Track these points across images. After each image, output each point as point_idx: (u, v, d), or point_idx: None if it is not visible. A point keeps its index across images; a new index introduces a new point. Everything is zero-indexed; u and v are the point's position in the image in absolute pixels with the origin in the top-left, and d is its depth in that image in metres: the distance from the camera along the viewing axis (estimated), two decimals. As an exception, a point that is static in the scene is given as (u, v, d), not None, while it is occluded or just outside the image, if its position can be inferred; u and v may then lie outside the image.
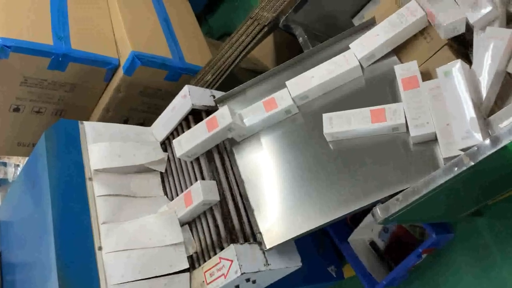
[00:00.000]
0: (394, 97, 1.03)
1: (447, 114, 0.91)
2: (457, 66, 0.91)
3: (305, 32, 1.26)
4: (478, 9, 0.92)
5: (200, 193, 1.06)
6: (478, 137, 0.84)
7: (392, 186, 0.96)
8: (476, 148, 0.80)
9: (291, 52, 1.32)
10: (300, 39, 1.25)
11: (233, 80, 1.55)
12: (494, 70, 0.90)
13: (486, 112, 0.92)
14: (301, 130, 1.11)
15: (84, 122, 1.22)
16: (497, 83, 0.92)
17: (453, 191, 0.95)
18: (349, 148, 1.04)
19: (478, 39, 0.97)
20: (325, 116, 1.05)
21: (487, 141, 0.79)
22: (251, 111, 1.13)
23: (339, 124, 1.03)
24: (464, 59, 1.06)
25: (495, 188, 1.11)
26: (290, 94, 1.10)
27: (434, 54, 1.03)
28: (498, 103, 0.94)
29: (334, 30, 1.36)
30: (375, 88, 1.08)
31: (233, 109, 1.12)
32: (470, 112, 0.87)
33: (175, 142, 1.16)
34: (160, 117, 1.29)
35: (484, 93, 0.91)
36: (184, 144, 1.13)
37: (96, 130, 1.22)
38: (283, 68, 1.19)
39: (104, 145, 1.18)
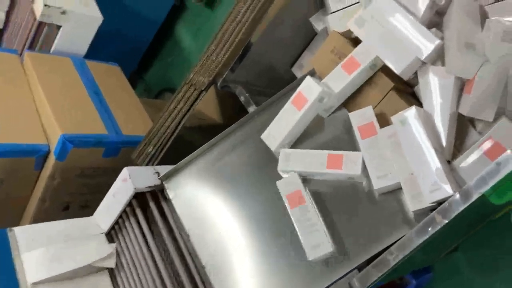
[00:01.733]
0: (354, 146, 0.96)
1: (410, 163, 0.86)
2: (412, 114, 0.85)
3: (246, 90, 1.19)
4: (426, 45, 0.88)
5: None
6: (447, 189, 0.78)
7: (366, 249, 0.88)
8: (447, 204, 0.74)
9: (237, 99, 1.24)
10: (242, 98, 1.18)
11: (181, 142, 1.45)
12: (448, 112, 0.86)
13: (449, 156, 0.87)
14: (258, 170, 1.03)
15: (13, 228, 1.07)
16: (453, 124, 0.87)
17: (429, 244, 0.88)
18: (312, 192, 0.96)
19: (423, 78, 0.92)
20: (283, 152, 0.98)
21: (457, 196, 0.73)
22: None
23: (296, 163, 0.96)
24: (411, 98, 1.02)
25: (472, 225, 1.07)
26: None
27: (383, 99, 0.98)
28: (456, 144, 0.89)
29: (276, 82, 1.30)
30: (339, 135, 1.01)
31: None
32: (434, 161, 0.81)
33: (263, 137, 1.02)
34: (102, 204, 1.16)
35: (443, 137, 0.86)
36: (277, 135, 1.00)
37: (29, 235, 1.07)
38: (231, 131, 1.11)
39: (40, 252, 1.03)
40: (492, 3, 0.89)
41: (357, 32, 0.97)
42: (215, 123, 1.87)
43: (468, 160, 0.82)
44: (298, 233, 0.91)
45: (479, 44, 0.82)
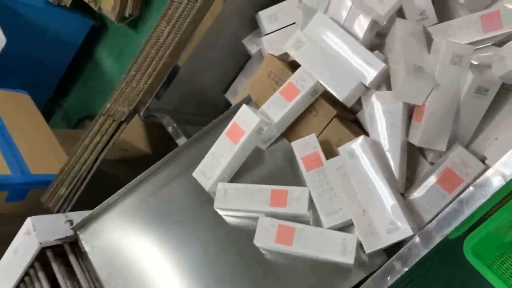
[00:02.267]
0: (299, 179, 0.86)
1: (361, 199, 0.76)
2: (361, 145, 0.77)
3: (174, 119, 1.05)
4: (370, 69, 0.80)
5: None
6: (406, 229, 0.69)
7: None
8: (407, 249, 0.65)
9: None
10: (169, 129, 1.04)
11: (101, 178, 1.27)
12: (398, 141, 0.78)
13: (402, 189, 0.79)
14: (192, 210, 0.90)
15: None
16: (404, 154, 0.80)
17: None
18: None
19: (368, 104, 0.85)
20: (220, 186, 0.85)
21: (418, 240, 0.65)
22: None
23: (234, 200, 0.83)
24: (355, 126, 0.94)
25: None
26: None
27: (325, 127, 0.89)
28: (407, 174, 0.82)
29: (208, 110, 1.18)
30: (281, 167, 0.90)
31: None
32: (388, 197, 0.72)
33: (195, 174, 0.89)
34: (1, 262, 0.96)
35: (395, 169, 0.78)
36: (210, 173, 0.87)
37: None
38: (158, 167, 0.96)
39: None
40: (435, 24, 0.84)
41: (294, 56, 0.88)
42: (142, 153, 1.70)
43: (423, 192, 0.75)
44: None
45: (428, 67, 0.75)
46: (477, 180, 0.60)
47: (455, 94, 0.74)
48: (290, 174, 0.88)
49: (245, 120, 0.86)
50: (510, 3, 0.76)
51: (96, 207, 0.97)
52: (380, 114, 0.81)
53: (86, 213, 0.97)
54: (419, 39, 0.80)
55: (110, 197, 0.96)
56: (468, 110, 0.75)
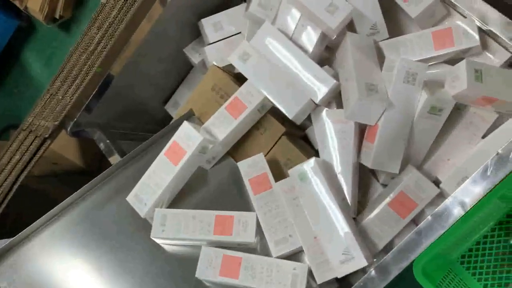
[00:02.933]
0: (246, 203, 0.79)
1: (312, 225, 0.71)
2: (312, 167, 0.71)
3: (107, 135, 0.95)
4: (320, 86, 0.75)
5: None
6: (361, 260, 0.65)
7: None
8: (362, 284, 0.60)
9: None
10: (101, 145, 0.94)
11: (27, 196, 1.14)
12: (350, 162, 0.74)
13: (354, 213, 0.74)
14: (126, 237, 0.80)
15: None
16: (356, 175, 0.76)
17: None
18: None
19: (318, 122, 0.80)
20: (158, 213, 0.76)
21: (373, 273, 0.60)
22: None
23: (174, 228, 0.75)
24: (304, 143, 0.89)
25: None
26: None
27: (274, 145, 0.83)
28: (358, 196, 0.77)
29: (146, 123, 1.09)
30: (227, 190, 0.83)
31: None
32: (341, 224, 0.67)
33: (130, 199, 0.79)
34: None
35: (347, 192, 0.73)
36: (146, 198, 0.78)
37: None
38: (86, 191, 0.85)
39: None
40: (387, 39, 0.80)
41: (241, 69, 0.81)
42: (75, 167, 1.56)
43: (376, 217, 0.71)
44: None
45: (381, 85, 0.71)
46: (436, 210, 0.56)
47: (408, 114, 0.70)
48: (236, 197, 0.81)
49: (186, 139, 0.78)
50: (461, 21, 0.74)
51: (17, 235, 0.84)
52: (331, 134, 0.76)
53: (4, 242, 0.85)
54: (370, 54, 0.77)
55: (34, 224, 0.84)
56: (422, 131, 0.72)
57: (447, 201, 0.56)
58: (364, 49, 0.77)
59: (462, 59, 0.76)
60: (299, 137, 0.90)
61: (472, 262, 0.90)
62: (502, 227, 0.89)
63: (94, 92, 0.89)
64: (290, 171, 0.73)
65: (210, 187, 0.83)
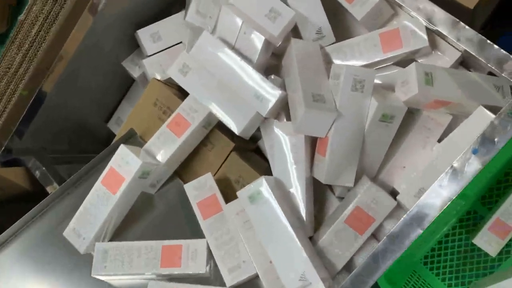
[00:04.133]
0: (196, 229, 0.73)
1: (267, 249, 0.66)
2: (263, 187, 0.66)
3: (43, 161, 0.87)
4: (267, 97, 0.70)
5: None
6: (317, 284, 0.60)
7: None
8: (320, 312, 0.56)
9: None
10: (37, 173, 0.86)
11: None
12: (303, 176, 0.69)
13: (311, 231, 0.70)
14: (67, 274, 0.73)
15: None
16: (311, 191, 0.71)
17: None
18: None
19: (268, 135, 0.75)
20: (98, 248, 0.70)
21: (333, 300, 0.55)
22: None
23: (117, 263, 0.69)
24: (257, 157, 0.84)
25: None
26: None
27: (223, 163, 0.78)
28: (314, 211, 0.73)
29: (87, 144, 1.01)
30: (174, 215, 0.77)
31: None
32: (298, 247, 0.63)
33: (66, 234, 0.72)
34: None
35: (303, 210, 0.69)
36: (84, 232, 0.71)
37: None
38: (19, 227, 0.77)
39: None
40: (333, 43, 0.76)
41: (181, 82, 0.75)
42: (23, 191, 1.45)
43: (333, 235, 0.66)
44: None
45: (328, 94, 0.67)
46: (392, 231, 0.52)
47: (359, 123, 0.66)
48: (185, 223, 0.75)
49: (124, 164, 0.71)
50: (408, 21, 0.70)
51: None
52: (282, 148, 0.71)
53: None
54: (317, 61, 0.72)
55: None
56: (374, 140, 0.68)
57: (403, 221, 0.52)
58: (310, 56, 0.73)
59: (413, 60, 0.73)
60: (251, 150, 0.85)
61: (435, 262, 0.88)
62: (463, 225, 0.88)
63: (22, 116, 0.81)
64: (238, 193, 0.67)
65: (157, 213, 0.77)
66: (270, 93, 0.70)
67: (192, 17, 0.77)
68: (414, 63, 0.65)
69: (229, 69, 0.73)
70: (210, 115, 0.74)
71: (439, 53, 0.72)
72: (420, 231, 0.51)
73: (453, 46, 0.70)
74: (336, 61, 0.75)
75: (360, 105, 0.66)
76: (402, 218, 0.52)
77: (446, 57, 0.71)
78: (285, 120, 0.73)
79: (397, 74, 0.70)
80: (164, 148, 0.75)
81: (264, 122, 0.75)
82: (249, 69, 0.71)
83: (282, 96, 0.70)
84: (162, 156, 0.75)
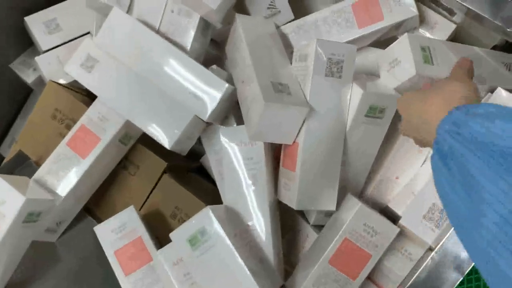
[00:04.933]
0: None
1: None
2: (206, 224, 0.45)
3: None
4: (208, 93, 0.50)
5: None
6: None
7: None
8: None
9: None
10: None
11: None
12: (266, 203, 0.49)
13: (281, 278, 0.50)
14: None
15: None
16: (276, 222, 0.51)
17: None
18: None
19: (213, 148, 0.55)
20: None
21: None
22: None
23: None
24: (200, 178, 0.63)
25: None
26: None
27: (153, 190, 0.56)
28: (283, 248, 0.53)
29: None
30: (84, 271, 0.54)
31: None
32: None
33: None
34: None
35: (268, 250, 0.48)
36: None
37: None
38: None
39: None
40: (292, 21, 0.57)
41: (84, 81, 0.53)
42: None
43: (313, 282, 0.47)
44: None
45: (294, 83, 0.48)
46: (415, 277, 0.33)
47: (338, 120, 0.48)
48: (102, 281, 0.52)
49: (6, 202, 0.48)
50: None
51: None
52: (233, 163, 0.51)
53: None
54: (273, 42, 0.53)
55: None
56: (360, 142, 0.49)
57: (433, 261, 0.33)
58: (264, 36, 0.53)
59: (395, 38, 0.56)
60: (193, 169, 0.64)
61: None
62: None
63: None
64: (172, 235, 0.46)
65: (62, 269, 0.54)
66: (212, 89, 0.50)
67: (96, -8, 0.56)
68: (406, 34, 0.47)
69: (153, 59, 0.52)
70: (129, 125, 0.53)
71: (427, 28, 0.55)
72: (460, 277, 0.32)
73: (446, 17, 0.54)
74: (298, 44, 0.56)
75: (339, 96, 0.47)
76: (429, 258, 0.33)
77: (437, 32, 0.55)
78: (235, 125, 0.53)
79: (381, 53, 0.52)
80: (65, 175, 0.52)
81: (207, 129, 0.54)
82: (182, 57, 0.51)
83: (229, 91, 0.50)
84: (62, 188, 0.52)
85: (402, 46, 0.47)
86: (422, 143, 0.38)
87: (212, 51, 0.62)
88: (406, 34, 0.47)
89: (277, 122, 0.46)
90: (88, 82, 0.53)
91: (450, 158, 0.29)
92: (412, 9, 0.53)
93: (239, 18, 0.54)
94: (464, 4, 0.46)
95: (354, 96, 0.47)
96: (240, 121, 0.53)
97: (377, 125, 0.48)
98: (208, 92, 0.50)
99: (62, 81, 0.63)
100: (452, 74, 0.40)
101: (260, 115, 0.44)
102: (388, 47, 0.50)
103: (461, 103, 0.33)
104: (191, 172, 0.63)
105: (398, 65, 0.47)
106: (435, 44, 0.49)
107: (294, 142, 0.47)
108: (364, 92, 0.46)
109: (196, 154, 0.63)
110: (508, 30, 0.45)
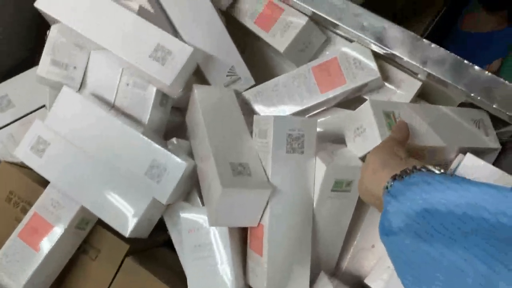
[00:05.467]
0: None
1: None
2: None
3: None
4: (167, 174, 0.47)
5: None
6: None
7: None
8: None
9: None
10: None
11: None
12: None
13: None
14: None
15: None
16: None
17: None
18: None
19: (176, 233, 0.52)
20: None
21: None
22: None
23: None
24: (167, 250, 0.60)
25: None
26: None
27: (115, 277, 0.53)
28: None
29: None
30: None
31: None
32: None
33: None
34: None
35: None
36: None
37: None
38: None
39: None
40: (253, 86, 0.56)
41: (36, 166, 0.51)
42: None
43: None
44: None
45: (254, 161, 0.45)
46: None
47: (304, 198, 0.45)
48: None
49: None
50: (348, 46, 0.52)
51: None
52: (196, 250, 0.47)
53: None
54: (233, 114, 0.51)
55: None
56: (329, 218, 0.46)
57: None
58: (222, 108, 0.51)
59: (360, 98, 0.54)
60: (159, 245, 0.61)
61: None
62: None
63: None
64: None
65: None
66: (171, 169, 0.47)
67: (46, 70, 0.53)
68: (368, 100, 0.45)
69: (107, 139, 0.49)
70: (85, 209, 0.50)
71: (392, 86, 0.54)
72: None
73: (411, 75, 0.52)
74: (260, 110, 0.54)
75: (303, 172, 0.45)
76: None
77: (403, 91, 0.53)
78: (198, 199, 0.50)
79: (345, 119, 0.50)
80: (16, 271, 0.48)
81: (169, 208, 0.51)
82: (137, 136, 0.48)
83: (189, 169, 0.47)
84: (15, 284, 0.48)
85: (365, 113, 0.45)
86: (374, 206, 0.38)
87: (175, 119, 0.60)
88: (368, 101, 0.45)
89: (238, 205, 0.43)
90: (40, 166, 0.50)
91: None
92: (374, 72, 0.51)
93: (197, 89, 0.52)
94: (425, 69, 0.45)
95: (318, 171, 0.45)
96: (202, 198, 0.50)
97: (345, 198, 0.46)
98: (166, 173, 0.47)
99: (14, 160, 0.60)
100: (385, 139, 0.41)
101: (218, 200, 0.41)
102: (352, 113, 0.48)
103: (385, 170, 0.34)
104: (158, 248, 0.60)
105: (363, 133, 0.45)
106: (399, 107, 0.47)
107: (259, 224, 0.45)
108: (328, 167, 0.43)
109: (163, 224, 0.59)
110: (472, 94, 0.43)
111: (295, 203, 0.44)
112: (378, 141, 0.44)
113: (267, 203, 0.44)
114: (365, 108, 0.45)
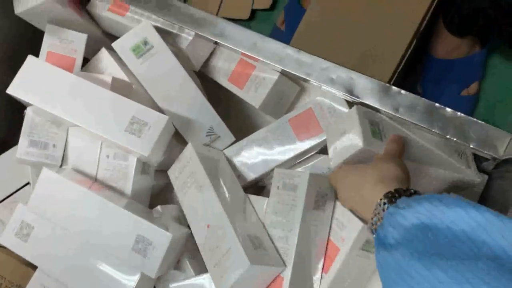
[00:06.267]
0: None
1: None
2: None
3: None
4: (151, 258, 0.46)
5: None
6: None
7: None
8: None
9: None
10: None
11: None
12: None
13: None
14: None
15: None
16: None
17: None
18: None
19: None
20: None
21: None
22: None
23: None
24: None
25: None
26: None
27: None
28: None
29: None
30: None
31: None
32: None
33: None
34: None
35: None
36: None
37: None
38: None
39: None
40: (234, 142, 0.55)
41: (22, 251, 0.50)
42: None
43: None
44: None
45: (262, 234, 0.44)
46: None
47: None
48: None
49: None
50: (322, 95, 0.52)
51: None
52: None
53: None
54: (229, 176, 0.51)
55: None
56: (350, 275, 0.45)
57: None
58: (220, 169, 0.51)
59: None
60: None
61: None
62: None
63: None
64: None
65: None
66: (156, 241, 0.46)
67: (24, 152, 0.53)
68: (354, 106, 0.45)
69: (90, 217, 0.49)
70: (75, 292, 0.49)
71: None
72: None
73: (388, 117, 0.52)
74: (242, 164, 0.54)
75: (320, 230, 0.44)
76: None
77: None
78: (191, 271, 0.49)
79: (329, 125, 0.50)
80: None
81: (160, 279, 0.50)
82: (118, 211, 0.48)
83: (176, 238, 0.47)
84: None
85: (351, 117, 0.44)
86: (357, 213, 0.40)
87: (160, 182, 0.59)
88: (354, 106, 0.45)
89: (253, 279, 0.42)
90: (26, 252, 0.50)
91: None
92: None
93: (194, 147, 0.52)
94: (398, 115, 0.45)
95: (350, 228, 0.43)
96: (198, 267, 0.49)
97: (367, 258, 0.44)
98: (152, 247, 0.46)
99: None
100: (386, 151, 0.42)
101: (240, 275, 0.40)
102: (336, 120, 0.48)
103: (393, 182, 0.36)
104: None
105: (344, 135, 0.44)
106: (385, 123, 0.46)
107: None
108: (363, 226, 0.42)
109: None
110: (447, 136, 0.43)
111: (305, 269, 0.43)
112: (359, 146, 0.42)
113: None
114: (352, 112, 0.44)
